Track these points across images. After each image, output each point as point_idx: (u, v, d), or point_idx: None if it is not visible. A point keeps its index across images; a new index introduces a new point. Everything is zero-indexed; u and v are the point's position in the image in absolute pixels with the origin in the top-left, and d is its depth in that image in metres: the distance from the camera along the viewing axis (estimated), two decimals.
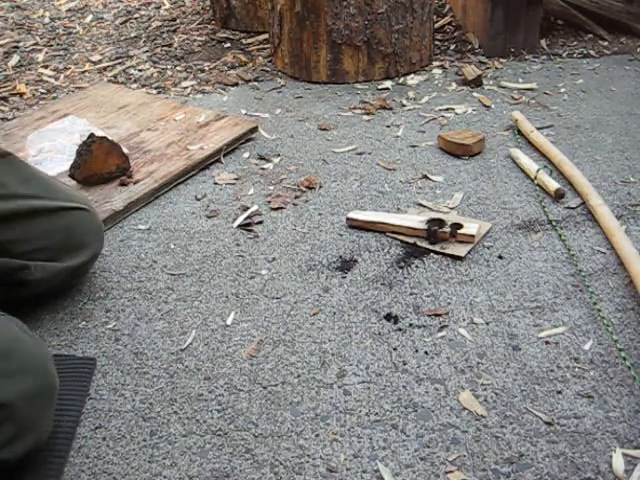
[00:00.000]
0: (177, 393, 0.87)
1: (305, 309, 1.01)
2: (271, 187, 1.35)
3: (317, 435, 0.80)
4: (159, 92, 1.88)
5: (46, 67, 2.10)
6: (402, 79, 1.89)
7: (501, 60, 1.99)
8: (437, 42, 2.12)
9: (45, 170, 1.36)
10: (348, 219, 1.21)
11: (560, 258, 1.10)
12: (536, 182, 1.30)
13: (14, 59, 2.17)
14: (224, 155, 1.47)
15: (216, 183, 1.38)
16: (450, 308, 1.00)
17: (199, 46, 2.23)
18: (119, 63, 2.11)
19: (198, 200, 1.32)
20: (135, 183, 1.33)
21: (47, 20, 2.58)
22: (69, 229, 1.01)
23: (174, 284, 1.08)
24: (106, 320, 1.01)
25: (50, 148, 1.42)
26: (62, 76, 2.03)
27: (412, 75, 1.91)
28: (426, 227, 1.14)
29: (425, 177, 1.36)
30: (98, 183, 1.33)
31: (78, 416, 0.84)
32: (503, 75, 1.88)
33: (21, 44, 2.32)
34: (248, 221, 1.24)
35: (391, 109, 1.70)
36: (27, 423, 0.72)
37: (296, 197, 1.31)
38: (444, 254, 1.11)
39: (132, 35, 2.36)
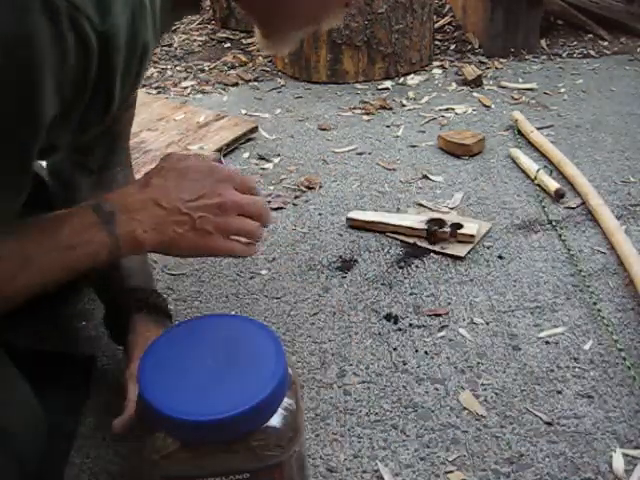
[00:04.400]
0: None
1: (305, 309, 1.01)
2: (271, 187, 1.35)
3: (317, 435, 0.80)
4: (159, 92, 1.88)
5: None
6: (402, 79, 1.89)
7: (501, 60, 1.99)
8: (437, 42, 2.12)
9: None
10: (348, 219, 1.21)
11: (560, 258, 1.10)
12: (536, 182, 1.30)
13: None
14: (224, 155, 1.47)
15: None
16: (450, 308, 1.00)
17: (199, 46, 2.23)
18: None
19: None
20: None
21: None
22: None
23: (174, 284, 1.08)
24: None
25: None
26: None
27: (412, 75, 1.91)
28: (426, 227, 1.14)
29: (425, 177, 1.36)
30: None
31: (78, 416, 0.84)
32: (503, 75, 1.89)
33: None
34: None
35: (391, 109, 1.70)
36: None
37: (296, 197, 1.31)
38: (444, 254, 1.11)
39: None
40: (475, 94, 1.77)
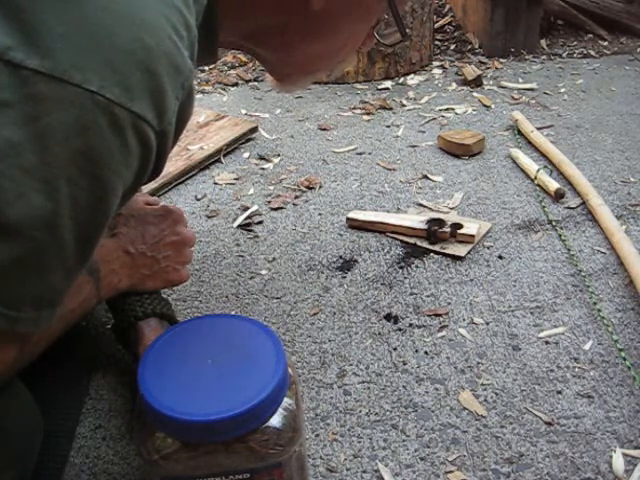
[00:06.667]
0: None
1: (305, 309, 1.01)
2: (271, 187, 1.35)
3: (317, 435, 0.80)
4: None
5: None
6: (402, 79, 1.89)
7: (501, 60, 1.99)
8: (437, 42, 2.12)
9: None
10: (348, 219, 1.21)
11: (560, 258, 1.10)
12: (536, 182, 1.30)
13: None
14: (224, 155, 1.47)
15: (216, 183, 1.38)
16: (450, 308, 1.00)
17: None
18: None
19: (198, 200, 1.32)
20: None
21: None
22: None
23: None
24: (106, 320, 1.01)
25: None
26: None
27: (412, 75, 1.91)
28: (426, 227, 1.14)
29: (425, 177, 1.36)
30: None
31: (78, 416, 0.84)
32: (503, 75, 1.89)
33: None
34: (248, 221, 1.24)
35: (391, 109, 1.70)
36: None
37: (296, 197, 1.31)
38: (444, 254, 1.11)
39: None
40: (475, 94, 1.77)
